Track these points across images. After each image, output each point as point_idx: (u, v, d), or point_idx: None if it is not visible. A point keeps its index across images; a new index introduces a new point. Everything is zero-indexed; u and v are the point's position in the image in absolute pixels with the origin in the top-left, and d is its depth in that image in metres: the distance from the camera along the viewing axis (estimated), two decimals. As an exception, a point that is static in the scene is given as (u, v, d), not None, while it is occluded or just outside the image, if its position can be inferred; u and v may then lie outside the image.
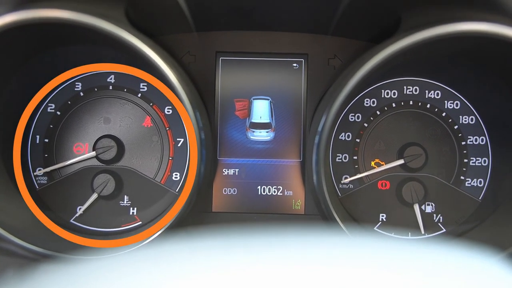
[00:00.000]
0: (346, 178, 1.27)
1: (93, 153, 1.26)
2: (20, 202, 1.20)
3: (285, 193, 1.28)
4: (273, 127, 1.27)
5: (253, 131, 1.27)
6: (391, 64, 1.01)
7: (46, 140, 1.29)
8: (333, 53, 1.26)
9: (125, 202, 1.28)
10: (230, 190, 1.28)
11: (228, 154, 1.29)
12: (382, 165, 1.27)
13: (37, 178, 1.29)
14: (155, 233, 1.11)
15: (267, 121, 1.28)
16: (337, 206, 1.14)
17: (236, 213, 1.28)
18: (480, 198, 1.11)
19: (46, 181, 1.28)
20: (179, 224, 1.13)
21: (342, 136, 1.28)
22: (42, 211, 1.25)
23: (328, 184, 1.12)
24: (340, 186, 1.27)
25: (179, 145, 1.28)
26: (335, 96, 1.04)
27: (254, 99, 1.29)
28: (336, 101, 1.05)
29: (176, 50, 1.27)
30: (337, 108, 1.04)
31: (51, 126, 1.29)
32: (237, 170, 1.28)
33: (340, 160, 1.28)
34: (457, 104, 1.29)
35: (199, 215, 1.26)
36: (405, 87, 1.29)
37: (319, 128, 1.08)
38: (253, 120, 1.28)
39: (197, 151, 1.09)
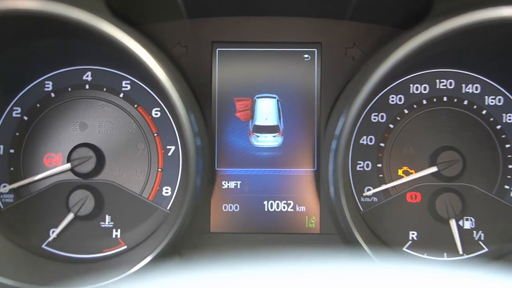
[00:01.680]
0: (369, 190, 1.28)
1: (68, 165, 1.27)
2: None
3: (297, 209, 1.29)
4: (281, 130, 1.29)
5: (258, 136, 1.28)
6: (423, 54, 1.02)
7: (12, 151, 1.30)
8: (352, 41, 1.27)
9: (106, 223, 1.29)
10: (231, 206, 1.29)
11: (228, 164, 1.30)
12: (412, 173, 1.28)
13: (1, 196, 1.30)
14: (143, 260, 1.13)
15: (274, 123, 1.29)
16: (358, 224, 1.15)
17: (239, 233, 1.30)
18: (528, 211, 1.12)
19: (12, 200, 1.29)
20: (171, 248, 1.15)
21: (363, 140, 1.29)
22: (8, 236, 1.26)
23: (348, 197, 1.13)
24: (362, 199, 1.28)
25: (169, 154, 1.29)
26: (356, 92, 1.05)
27: (258, 97, 1.30)
28: (357, 99, 1.06)
29: (165, 41, 1.29)
30: (358, 107, 1.06)
31: (17, 134, 1.30)
32: (239, 182, 1.30)
33: (362, 169, 1.29)
34: (499, 100, 1.29)
35: (195, 236, 1.28)
36: (437, 80, 1.30)
37: (337, 131, 1.09)
38: (257, 123, 1.29)
39: (192, 161, 1.10)
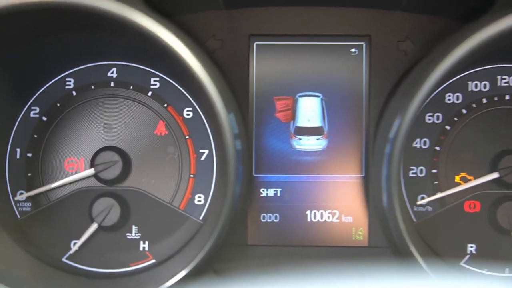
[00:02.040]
0: (422, 198, 1.29)
1: (91, 171, 1.28)
2: (2, 238, 1.22)
3: (343, 219, 1.30)
4: (325, 132, 1.30)
5: (300, 139, 1.30)
6: (488, 49, 1.03)
7: (29, 155, 1.31)
8: (404, 33, 1.28)
9: (133, 234, 1.30)
10: (270, 216, 1.30)
11: (267, 170, 1.32)
12: (470, 180, 1.28)
13: (18, 205, 1.31)
14: (175, 276, 1.13)
15: (318, 125, 1.31)
16: (412, 236, 1.15)
17: (279, 246, 1.30)
18: None
19: (29, 208, 1.30)
20: (205, 263, 1.15)
21: (416, 143, 1.30)
22: (26, 247, 1.27)
23: (401, 206, 1.14)
24: (415, 208, 1.29)
25: (202, 158, 1.30)
26: (414, 91, 1.06)
27: (300, 96, 1.31)
28: (415, 99, 1.06)
29: (198, 34, 1.29)
30: (416, 108, 1.06)
31: (35, 136, 1.30)
32: (279, 190, 1.31)
33: (415, 175, 1.29)
34: None
35: (231, 249, 1.28)
36: (499, 77, 1.30)
37: (391, 134, 1.09)
38: (299, 124, 1.31)
39: (231, 167, 1.10)
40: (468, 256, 1.16)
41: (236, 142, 1.11)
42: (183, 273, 1.14)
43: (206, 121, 1.27)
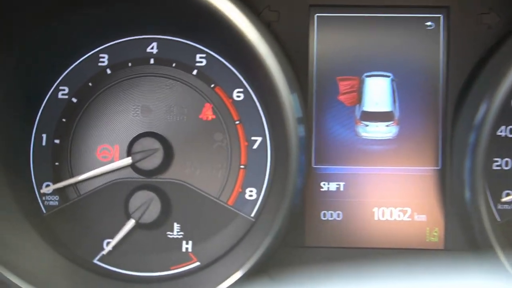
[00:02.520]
0: (508, 194, 1.28)
1: (128, 160, 1.28)
2: (28, 234, 1.23)
3: (415, 217, 1.29)
4: (396, 118, 1.29)
5: (366, 125, 1.29)
6: None
7: (57, 141, 1.31)
8: (488, 5, 1.27)
9: (175, 233, 1.30)
10: (331, 214, 1.30)
11: (328, 160, 1.31)
12: None
13: (44, 198, 1.31)
14: (223, 281, 1.12)
15: (388, 109, 1.30)
16: (499, 238, 1.15)
17: (341, 248, 1.29)
18: None
19: (57, 202, 1.30)
20: (259, 267, 1.14)
21: (501, 131, 1.28)
22: (53, 246, 1.27)
23: (486, 204, 1.14)
24: (499, 206, 1.28)
25: (254, 146, 1.30)
26: (503, 73, 1.06)
27: (367, 76, 1.30)
28: (505, 81, 1.06)
29: (251, 4, 1.26)
30: (506, 92, 1.06)
31: (64, 120, 1.31)
32: (342, 184, 1.31)
33: (499, 168, 1.28)
34: None
35: (286, 251, 1.27)
36: None
37: (476, 121, 1.08)
38: (366, 109, 1.30)
39: (293, 157, 1.09)
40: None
41: (299, 127, 1.09)
42: (233, 279, 1.13)
43: (260, 104, 1.26)
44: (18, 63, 1.20)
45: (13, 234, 1.18)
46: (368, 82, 1.29)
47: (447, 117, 1.26)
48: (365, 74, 1.29)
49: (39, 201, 1.29)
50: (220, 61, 1.28)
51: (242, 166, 1.29)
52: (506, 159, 1.27)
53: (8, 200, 1.22)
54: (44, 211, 1.29)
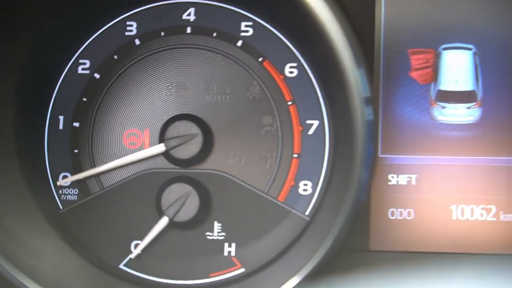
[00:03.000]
0: None
1: (161, 147, 1.26)
2: (46, 234, 1.22)
3: (501, 217, 1.26)
4: (479, 99, 1.27)
5: (443, 107, 1.26)
6: None
7: (76, 125, 1.30)
8: None
9: (215, 234, 1.29)
10: (401, 212, 1.27)
11: (397, 149, 1.28)
12: None
13: (60, 192, 1.30)
14: None
15: (469, 88, 1.27)
16: None
17: (413, 253, 1.26)
18: None
19: (76, 197, 1.29)
20: (315, 275, 1.12)
21: None
22: (73, 249, 1.26)
23: None
24: None
25: (310, 132, 1.28)
26: None
27: (444, 49, 1.27)
28: None
29: None
30: None
31: (84, 99, 1.29)
32: (413, 176, 1.28)
33: None
34: None
35: (348, 256, 1.24)
36: None
37: None
38: (443, 87, 1.27)
39: (358, 144, 1.07)
40: None
41: (366, 109, 1.08)
42: None
43: (317, 81, 1.24)
44: (33, 31, 1.19)
45: (31, 233, 1.19)
46: (445, 55, 1.27)
47: (542, 98, 1.17)
48: (442, 46, 1.26)
49: (55, 195, 1.28)
50: (270, 30, 1.27)
51: (295, 155, 1.27)
52: None
53: (24, 194, 1.22)
54: (61, 206, 1.29)
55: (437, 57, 1.28)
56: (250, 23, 1.27)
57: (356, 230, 1.24)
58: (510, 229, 1.27)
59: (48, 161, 1.28)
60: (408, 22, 1.27)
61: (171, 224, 1.24)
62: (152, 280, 1.27)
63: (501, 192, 1.27)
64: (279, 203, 1.27)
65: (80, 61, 1.28)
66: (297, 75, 1.27)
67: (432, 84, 1.28)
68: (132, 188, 1.27)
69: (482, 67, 1.27)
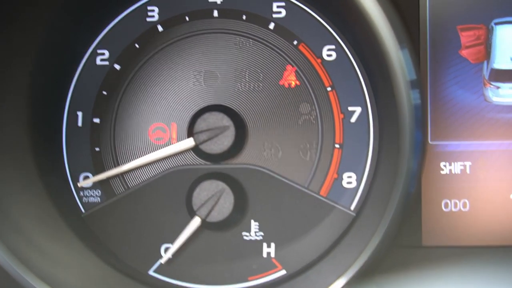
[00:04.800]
0: None
1: (190, 142, 1.27)
2: (68, 240, 1.24)
3: None
4: (537, 77, 1.21)
5: (498, 87, 1.26)
6: None
7: (96, 121, 1.31)
8: None
9: (252, 234, 1.29)
10: (456, 203, 1.28)
11: (449, 134, 1.29)
12: None
13: (82, 194, 1.32)
14: None
15: (526, 65, 1.22)
16: None
17: (469, 247, 1.26)
18: None
19: (99, 199, 1.31)
20: (361, 275, 1.12)
21: None
22: (97, 255, 1.28)
23: None
24: None
25: (352, 119, 1.28)
26: None
27: (497, 23, 1.27)
28: None
29: None
30: None
31: (104, 92, 1.31)
32: (468, 164, 1.28)
33: None
34: None
35: (398, 253, 1.25)
36: None
37: None
38: (497, 66, 1.27)
39: (405, 131, 1.07)
40: None
41: (412, 93, 1.07)
42: None
43: (358, 64, 1.25)
44: (46, 19, 1.21)
45: (51, 240, 1.20)
46: (498, 31, 1.26)
47: None
48: (494, 20, 1.26)
49: (76, 197, 1.30)
50: (304, 11, 1.27)
51: (337, 146, 1.28)
52: None
53: (43, 198, 1.23)
54: (83, 210, 1.31)
55: (489, 33, 1.28)
56: (283, 4, 1.27)
57: (406, 225, 1.24)
58: None
59: (67, 161, 1.29)
60: (455, -5, 1.21)
61: (204, 225, 1.25)
62: (185, 287, 1.28)
63: None
64: (322, 198, 1.28)
65: (99, 51, 1.29)
66: (336, 58, 1.27)
67: (485, 62, 1.28)
68: (160, 188, 1.28)
69: (541, 42, 1.19)
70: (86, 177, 1.29)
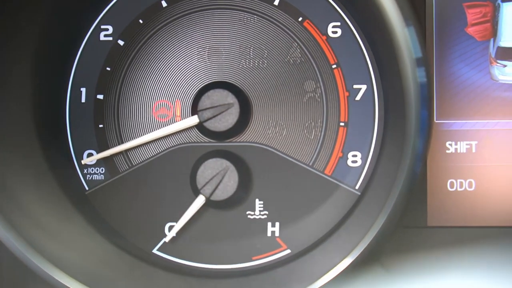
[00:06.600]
0: None
1: (194, 119, 1.30)
2: (71, 218, 1.28)
3: None
4: (545, 56, 1.22)
5: (505, 65, 1.28)
6: None
7: (100, 97, 1.34)
8: None
9: (257, 213, 1.32)
10: (461, 183, 1.30)
11: (455, 113, 1.31)
12: None
13: (85, 171, 1.35)
14: (322, 275, 1.13)
15: (533, 44, 1.22)
16: None
17: (475, 228, 1.28)
18: None
19: (102, 176, 1.34)
20: (366, 255, 1.14)
21: None
22: (101, 233, 1.31)
23: None
24: None
25: (357, 97, 1.31)
26: None
27: (503, 0, 1.28)
28: None
29: None
30: None
31: (108, 68, 1.33)
32: (474, 143, 1.31)
33: None
34: None
35: (403, 234, 1.27)
36: None
37: None
38: (504, 43, 1.29)
39: (411, 109, 1.09)
40: None
41: (418, 71, 1.09)
42: (336, 270, 1.14)
43: (363, 41, 1.27)
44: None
45: (54, 218, 1.23)
46: (505, 8, 1.28)
47: None
48: (502, -3, 1.20)
49: (80, 175, 1.32)
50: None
51: (342, 124, 1.30)
52: None
53: (46, 175, 1.26)
54: (87, 187, 1.33)
55: (496, 10, 1.29)
56: (288, -21, 1.21)
57: (412, 205, 1.25)
58: None
59: (71, 138, 1.32)
60: (463, -31, 1.23)
61: (208, 203, 1.27)
62: (189, 265, 1.30)
63: None
64: (326, 176, 1.30)
65: (102, 26, 1.30)
66: (341, 35, 1.29)
67: (491, 40, 1.29)
68: (164, 165, 1.29)
69: (548, 20, 1.21)
70: (90, 154, 1.32)
